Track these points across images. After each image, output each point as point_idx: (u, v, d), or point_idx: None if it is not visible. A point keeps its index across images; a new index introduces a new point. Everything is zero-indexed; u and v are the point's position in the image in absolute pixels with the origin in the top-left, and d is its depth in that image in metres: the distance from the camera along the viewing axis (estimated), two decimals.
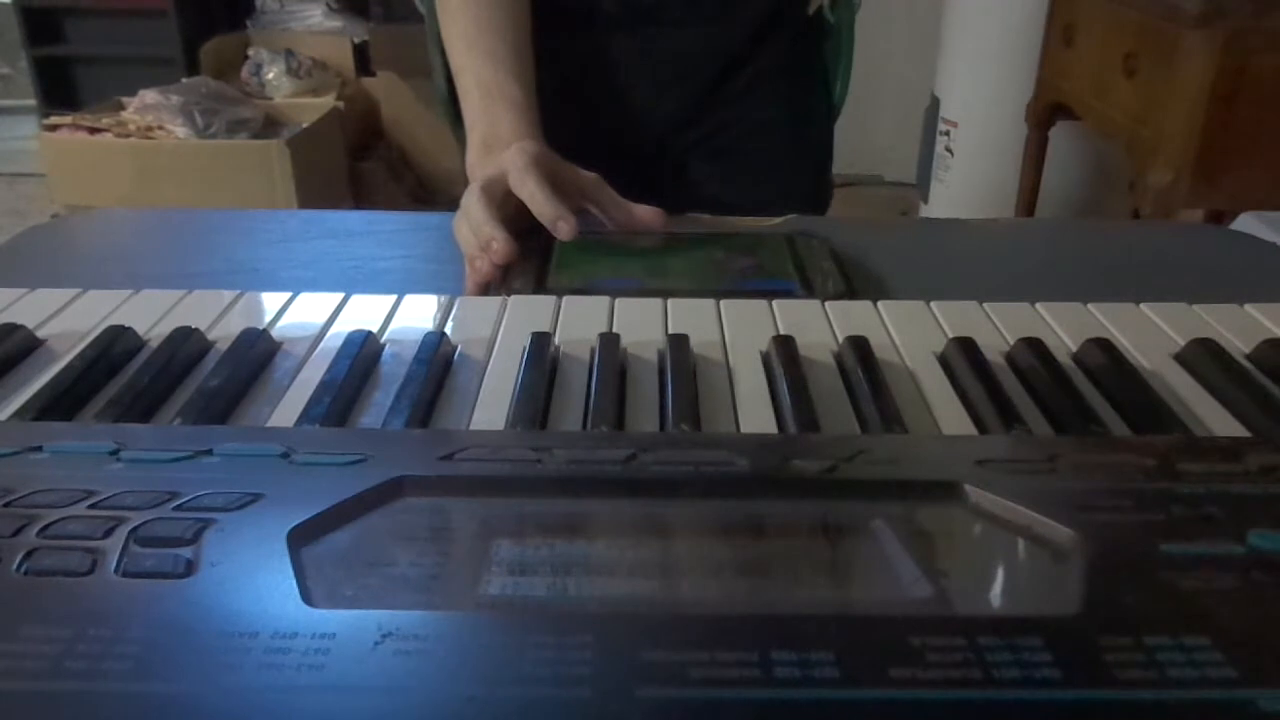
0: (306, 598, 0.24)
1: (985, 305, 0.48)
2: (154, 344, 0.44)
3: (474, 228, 0.55)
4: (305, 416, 0.37)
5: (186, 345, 0.43)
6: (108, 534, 0.27)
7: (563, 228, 0.54)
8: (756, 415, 0.39)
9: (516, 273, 0.54)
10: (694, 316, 0.47)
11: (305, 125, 2.37)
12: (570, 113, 0.68)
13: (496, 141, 0.63)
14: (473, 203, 0.56)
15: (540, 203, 0.55)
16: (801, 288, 0.52)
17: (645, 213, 0.60)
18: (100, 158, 2.25)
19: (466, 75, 0.67)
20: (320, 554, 0.27)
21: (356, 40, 2.74)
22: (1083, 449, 0.33)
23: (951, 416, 0.39)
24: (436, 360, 0.41)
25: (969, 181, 2.32)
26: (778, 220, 0.64)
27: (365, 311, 0.47)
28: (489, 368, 0.42)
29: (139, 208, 1.76)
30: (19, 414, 0.37)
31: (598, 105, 0.79)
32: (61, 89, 2.92)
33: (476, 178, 0.61)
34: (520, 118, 0.64)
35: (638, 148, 0.80)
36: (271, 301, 0.49)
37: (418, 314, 0.48)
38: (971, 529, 0.29)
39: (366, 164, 2.55)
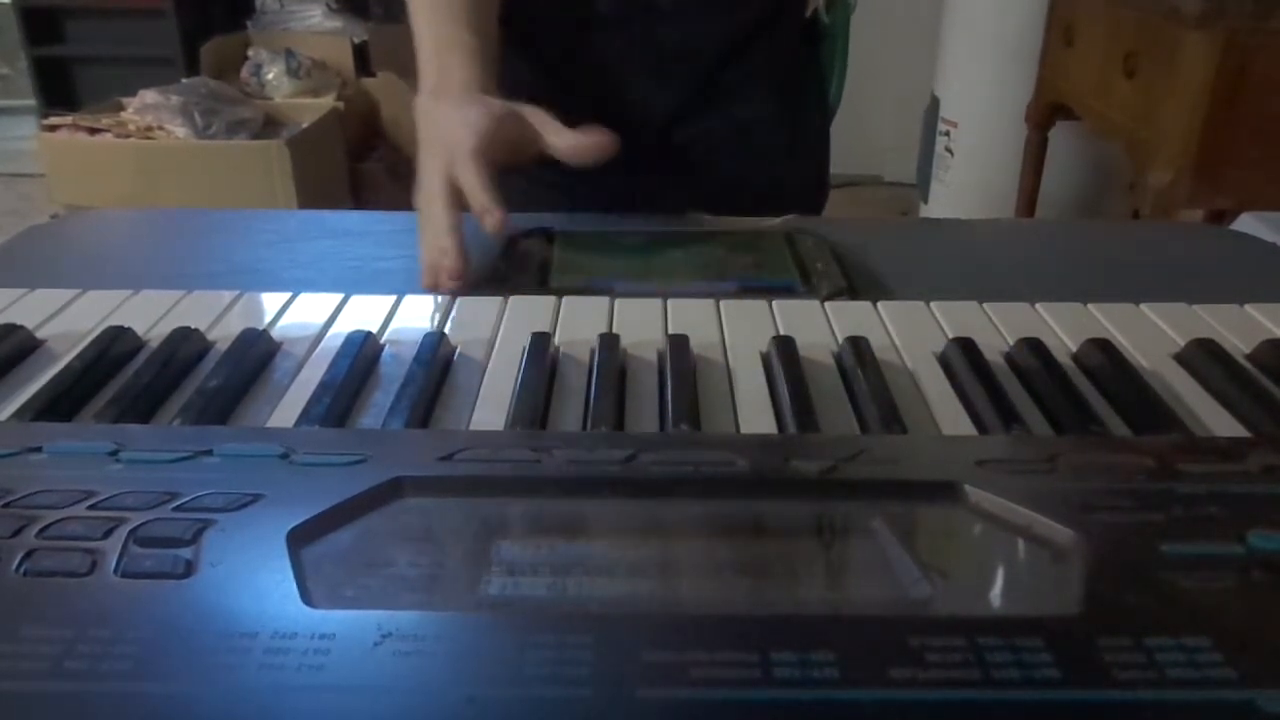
0: (306, 598, 0.24)
1: (985, 305, 0.48)
2: (154, 344, 0.44)
3: (434, 233, 0.54)
4: (305, 417, 0.37)
5: (186, 345, 0.43)
6: (107, 534, 0.27)
7: (488, 221, 0.53)
8: (756, 415, 0.39)
9: (516, 273, 0.54)
10: (694, 316, 0.47)
11: (305, 125, 2.37)
12: (565, 105, 0.68)
13: (446, 88, 0.61)
14: (436, 209, 0.55)
15: (474, 193, 0.54)
16: (801, 285, 0.52)
17: (587, 137, 0.58)
18: (100, 158, 2.25)
19: (424, 36, 0.66)
20: (320, 554, 0.27)
21: (356, 40, 2.74)
22: (1083, 449, 0.33)
23: (951, 416, 0.39)
24: (436, 360, 0.41)
25: (969, 182, 2.32)
26: (777, 220, 0.64)
27: (365, 311, 0.47)
28: (489, 368, 0.42)
29: (139, 208, 1.76)
30: (19, 414, 0.37)
31: (591, 98, 0.79)
32: (61, 89, 2.92)
33: (426, 148, 0.59)
34: (470, 60, 0.62)
35: (634, 141, 0.80)
36: (271, 301, 0.49)
37: (418, 314, 0.48)
38: (971, 529, 0.29)
39: (366, 164, 2.55)
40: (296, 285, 0.51)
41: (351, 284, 0.52)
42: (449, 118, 0.58)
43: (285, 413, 0.38)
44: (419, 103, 0.62)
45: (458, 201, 0.55)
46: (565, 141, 0.58)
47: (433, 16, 0.66)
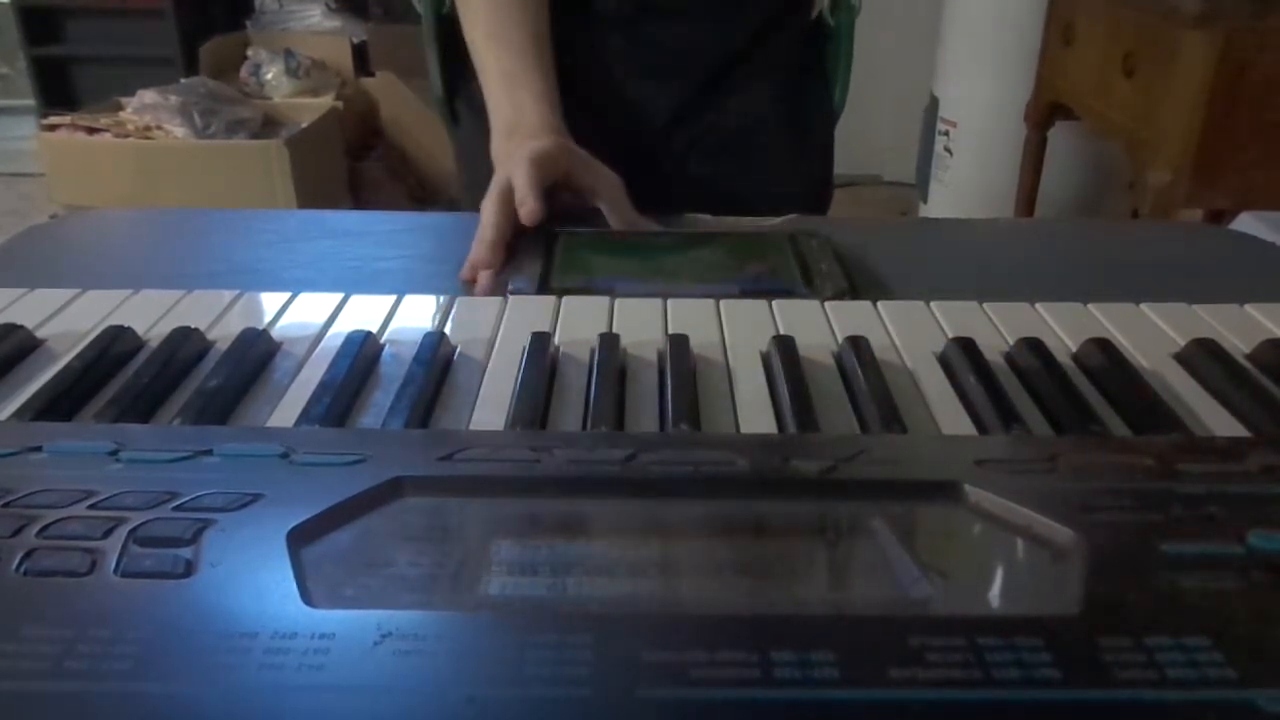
0: (306, 598, 0.24)
1: (985, 305, 0.48)
2: (154, 344, 0.44)
3: (480, 227, 0.57)
4: (305, 416, 0.37)
5: (186, 345, 0.43)
6: (107, 534, 0.27)
7: (522, 211, 0.57)
8: (756, 415, 0.39)
9: (516, 273, 0.54)
10: (694, 316, 0.47)
11: (304, 125, 2.37)
12: (569, 106, 0.68)
13: (520, 125, 0.65)
14: (487, 208, 0.58)
15: (519, 186, 0.58)
16: (803, 286, 0.52)
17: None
18: (99, 158, 2.25)
19: (489, 67, 0.69)
20: (320, 554, 0.27)
21: (355, 40, 2.74)
22: (1083, 449, 0.33)
23: (951, 416, 0.39)
24: (436, 360, 0.41)
25: (968, 181, 2.32)
26: (778, 220, 0.64)
27: (365, 311, 0.47)
28: (489, 368, 0.42)
29: (139, 208, 1.76)
30: (19, 414, 0.37)
31: (595, 99, 0.79)
32: (60, 89, 2.92)
33: (504, 166, 0.63)
34: (540, 102, 0.66)
35: (637, 142, 0.80)
36: (271, 301, 0.49)
37: (418, 314, 0.48)
38: (971, 529, 0.29)
39: (366, 164, 2.55)
40: (296, 285, 0.51)
41: (351, 284, 0.52)
42: (524, 147, 0.62)
43: (285, 413, 0.38)
44: (495, 144, 0.67)
45: (509, 204, 0.58)
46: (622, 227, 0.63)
47: (495, 48, 0.69)
